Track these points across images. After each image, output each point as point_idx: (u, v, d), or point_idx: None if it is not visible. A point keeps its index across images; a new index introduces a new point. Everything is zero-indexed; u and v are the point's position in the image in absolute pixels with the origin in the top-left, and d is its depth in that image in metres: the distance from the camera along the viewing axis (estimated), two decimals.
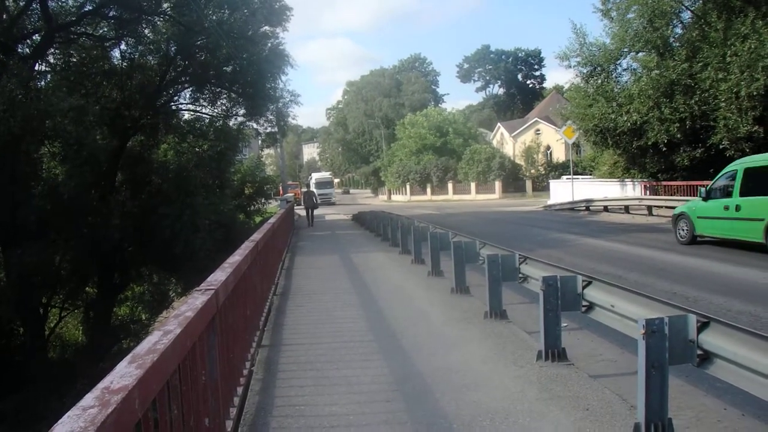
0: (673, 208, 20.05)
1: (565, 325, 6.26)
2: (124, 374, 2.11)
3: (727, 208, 14.09)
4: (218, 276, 4.43)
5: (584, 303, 6.00)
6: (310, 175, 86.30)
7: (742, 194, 13.65)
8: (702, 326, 4.20)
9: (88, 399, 1.88)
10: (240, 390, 5.08)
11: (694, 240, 15.52)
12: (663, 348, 4.14)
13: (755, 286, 10.06)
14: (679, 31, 26.90)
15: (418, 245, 13.64)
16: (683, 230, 15.99)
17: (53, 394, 14.94)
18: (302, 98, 70.22)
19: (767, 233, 12.74)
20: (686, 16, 26.75)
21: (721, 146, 23.10)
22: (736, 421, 4.87)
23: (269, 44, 25.49)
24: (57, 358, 21.35)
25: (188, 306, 3.30)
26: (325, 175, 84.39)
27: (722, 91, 22.58)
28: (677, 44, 26.08)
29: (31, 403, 15.22)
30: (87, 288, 23.66)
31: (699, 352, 4.21)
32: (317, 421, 4.73)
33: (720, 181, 14.94)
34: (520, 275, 7.86)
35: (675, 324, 4.20)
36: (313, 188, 49.59)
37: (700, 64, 23.63)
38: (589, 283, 6.01)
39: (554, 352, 6.01)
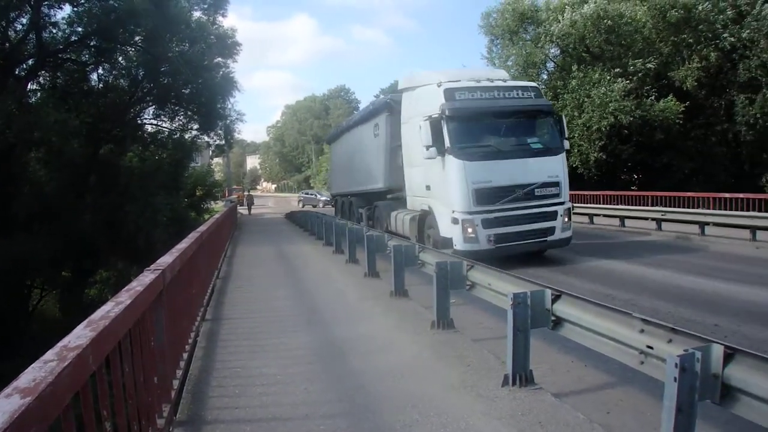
0: None
1: (453, 301, 6.41)
2: (80, 335, 2.07)
3: None
4: (166, 259, 4.32)
5: (468, 282, 6.18)
6: None
7: None
8: (555, 298, 4.43)
9: (49, 354, 1.89)
10: (186, 355, 4.96)
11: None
12: (526, 316, 4.34)
13: (594, 270, 10.62)
14: (545, 77, 28.34)
15: (339, 239, 13.59)
16: None
17: (33, 361, 14.28)
18: (247, 117, 68.79)
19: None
20: (551, 66, 28.50)
21: (575, 166, 24.69)
22: (581, 369, 5.16)
23: (221, 72, 26.40)
24: (38, 331, 20.56)
25: (138, 282, 3.22)
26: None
27: (577, 126, 24.29)
28: (544, 87, 27.40)
29: (16, 370, 14.46)
30: (63, 272, 23.18)
31: (553, 318, 4.44)
32: (250, 380, 4.67)
33: None
34: (419, 262, 7.98)
35: (535, 297, 4.42)
36: None
37: (561, 104, 25.09)
38: (472, 267, 6.20)
39: (444, 322, 6.16)
